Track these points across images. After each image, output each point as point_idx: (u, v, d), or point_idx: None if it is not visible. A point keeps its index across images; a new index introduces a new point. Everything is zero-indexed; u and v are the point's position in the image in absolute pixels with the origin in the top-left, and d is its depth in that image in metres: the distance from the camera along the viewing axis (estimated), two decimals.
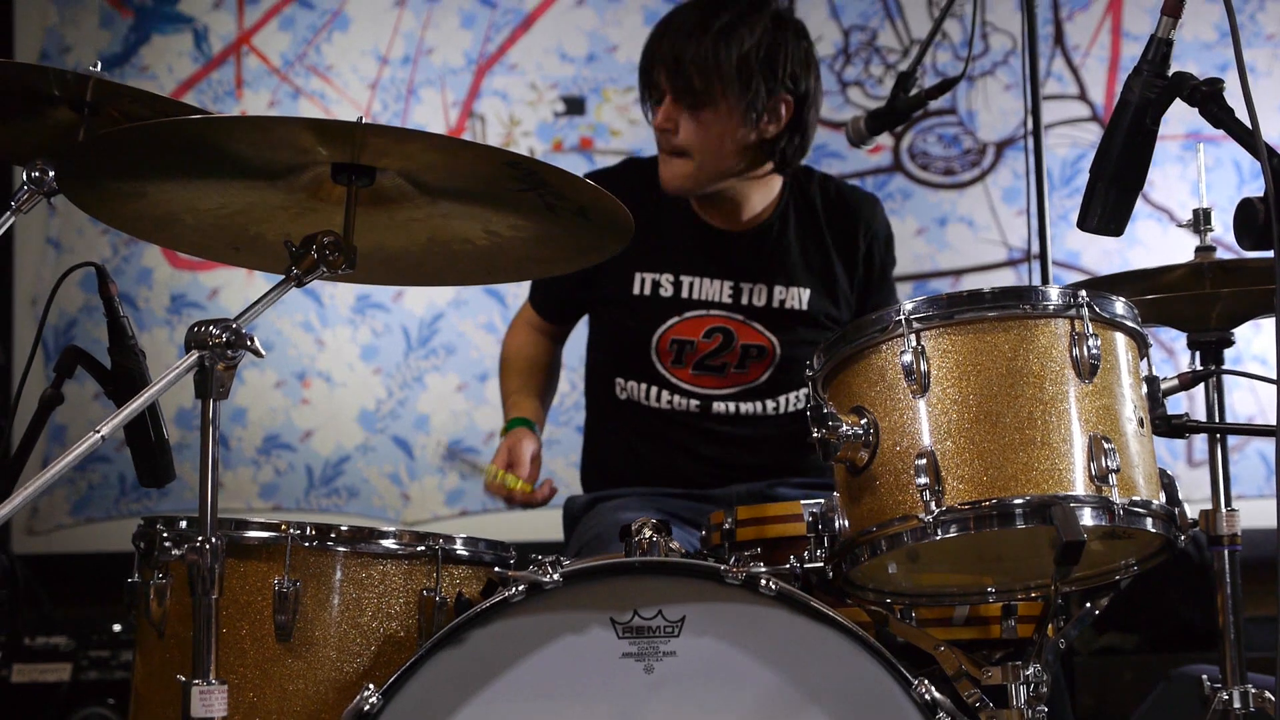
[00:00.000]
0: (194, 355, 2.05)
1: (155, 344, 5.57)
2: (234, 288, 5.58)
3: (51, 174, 2.58)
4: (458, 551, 2.48)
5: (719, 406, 3.14)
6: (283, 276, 2.22)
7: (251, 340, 2.08)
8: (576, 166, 5.40)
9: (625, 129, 5.61)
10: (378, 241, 2.42)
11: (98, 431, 1.96)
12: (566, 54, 5.63)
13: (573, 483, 4.66)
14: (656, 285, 3.14)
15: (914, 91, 3.17)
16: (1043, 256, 3.18)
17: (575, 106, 5.63)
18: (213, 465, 2.04)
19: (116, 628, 4.49)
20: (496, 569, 2.43)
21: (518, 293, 5.48)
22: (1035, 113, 3.32)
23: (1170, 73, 2.19)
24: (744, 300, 3.14)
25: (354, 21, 5.65)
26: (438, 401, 5.53)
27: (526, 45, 5.65)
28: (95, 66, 2.50)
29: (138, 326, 5.32)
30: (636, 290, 3.14)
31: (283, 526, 2.39)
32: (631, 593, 2.13)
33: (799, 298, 3.16)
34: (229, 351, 2.06)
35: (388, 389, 5.55)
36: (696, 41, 3.03)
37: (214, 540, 2.00)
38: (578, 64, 5.63)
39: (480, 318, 5.55)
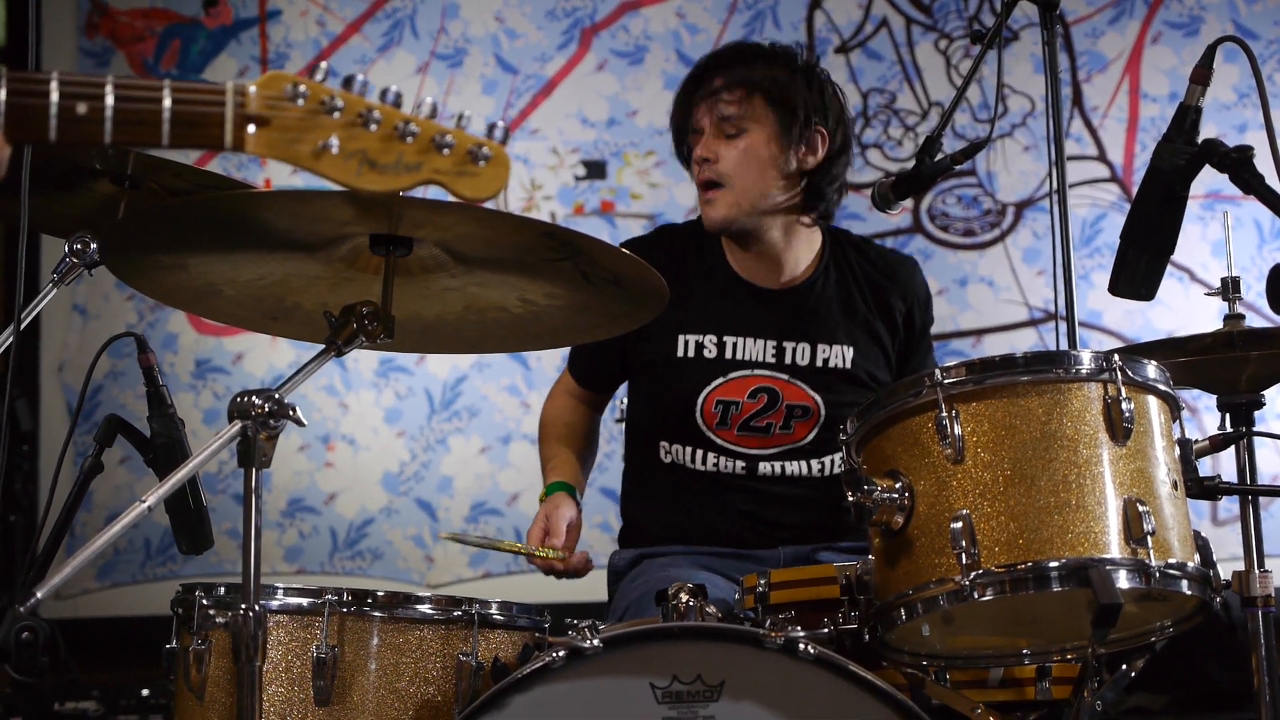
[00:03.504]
0: (237, 425, 2.07)
1: (180, 408, 5.57)
2: (258, 352, 5.62)
3: (93, 246, 2.62)
4: (493, 616, 2.49)
5: (764, 468, 3.16)
6: (322, 346, 2.25)
7: (294, 410, 2.11)
8: (598, 230, 5.45)
9: (646, 192, 5.65)
10: (414, 310, 2.45)
11: (143, 502, 1.99)
12: (587, 119, 5.68)
13: (598, 543, 4.68)
14: (700, 347, 3.16)
15: (939, 156, 3.20)
16: (1070, 318, 3.20)
17: (596, 170, 5.68)
18: (255, 533, 2.06)
19: (145, 692, 4.50)
20: (536, 634, 2.44)
21: (540, 355, 5.52)
22: (1060, 173, 3.34)
23: (1199, 140, 2.22)
24: (788, 359, 3.16)
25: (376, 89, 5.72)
26: (461, 464, 5.55)
27: (548, 110, 5.71)
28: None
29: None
30: (680, 353, 3.16)
31: (321, 593, 2.41)
32: (670, 658, 2.15)
33: (843, 356, 3.18)
34: (271, 421, 2.08)
35: (411, 452, 5.57)
36: (733, 71, 3.11)
37: (258, 608, 2.02)
38: (599, 128, 5.68)
39: (503, 381, 5.58)
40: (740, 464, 3.16)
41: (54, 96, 1.39)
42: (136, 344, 2.59)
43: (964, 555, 2.19)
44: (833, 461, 3.18)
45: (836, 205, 3.23)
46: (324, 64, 1.48)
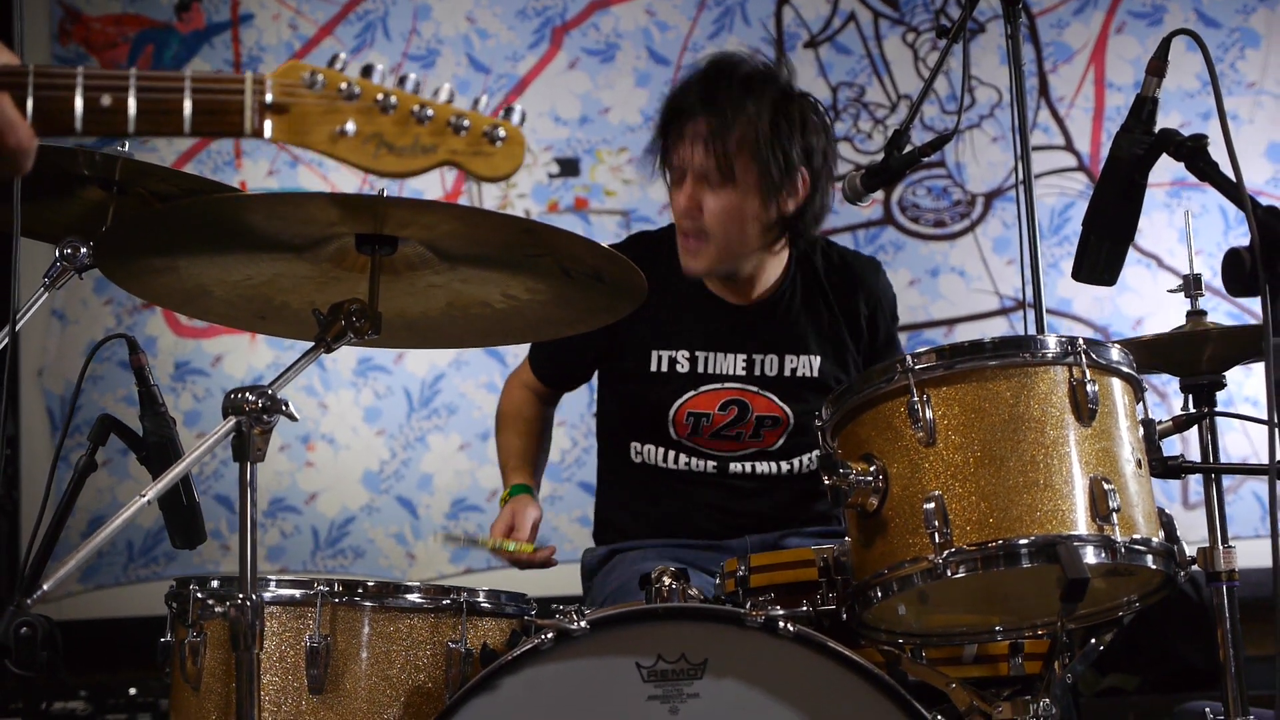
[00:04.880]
0: (231, 421, 2.14)
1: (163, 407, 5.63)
2: (237, 354, 5.66)
3: (83, 250, 2.68)
4: (481, 604, 2.56)
5: (735, 466, 3.22)
6: (309, 343, 2.32)
7: (286, 405, 2.17)
8: (572, 227, 5.49)
9: (620, 189, 5.71)
10: (400, 307, 2.51)
11: (143, 496, 2.05)
12: (560, 116, 5.73)
13: (577, 537, 4.74)
14: (674, 362, 3.21)
15: (908, 149, 3.27)
16: (1037, 305, 3.27)
17: (569, 168, 5.73)
18: (252, 524, 2.12)
19: (132, 691, 4.55)
20: (524, 618, 2.51)
21: (518, 352, 5.56)
22: (1026, 164, 3.41)
23: (1157, 129, 2.29)
24: (757, 371, 3.22)
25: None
26: (441, 461, 5.60)
27: (512, 105, 5.75)
28: (124, 147, 2.61)
29: None
30: (654, 368, 3.21)
31: (313, 584, 2.47)
32: (655, 638, 2.22)
33: (810, 365, 3.23)
34: (265, 417, 2.15)
35: (391, 450, 5.62)
36: (712, 120, 3.06)
37: (255, 597, 2.09)
38: (571, 126, 5.73)
39: (481, 378, 5.63)
40: (712, 464, 3.22)
41: (79, 90, 1.45)
42: (128, 345, 2.65)
43: (937, 535, 2.27)
44: (801, 462, 3.24)
45: (814, 232, 3.24)
46: (342, 54, 1.54)
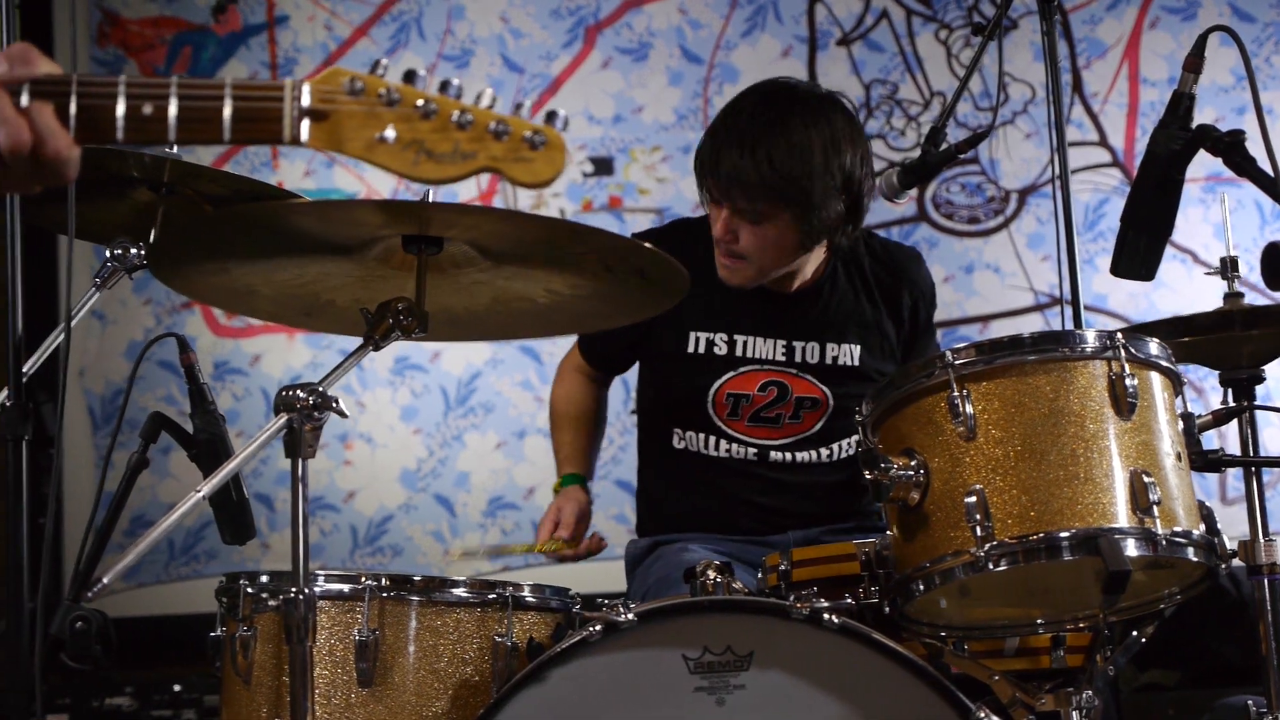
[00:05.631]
0: (283, 418, 2.17)
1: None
2: (275, 353, 5.71)
3: (133, 251, 2.72)
4: (526, 598, 2.59)
5: (775, 455, 3.24)
6: (350, 340, 2.36)
7: (336, 402, 2.21)
8: (606, 225, 5.53)
9: (653, 187, 5.73)
10: (445, 303, 2.54)
11: (198, 491, 2.09)
12: (593, 116, 5.76)
13: (614, 534, 4.76)
14: (711, 344, 3.24)
15: (944, 146, 3.29)
16: (1074, 301, 3.28)
17: (604, 167, 5.76)
18: (304, 520, 2.16)
19: (177, 687, 4.60)
20: (574, 611, 2.55)
21: (553, 350, 5.60)
22: (1062, 159, 3.42)
23: (1194, 125, 2.31)
24: (797, 357, 3.24)
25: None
26: (477, 460, 5.64)
27: (553, 108, 5.77)
28: (172, 148, 2.65)
29: (181, 392, 5.47)
30: (691, 349, 3.23)
31: (361, 578, 2.51)
32: (701, 630, 2.25)
33: (850, 354, 3.26)
34: (315, 413, 2.18)
35: (428, 448, 5.65)
36: (752, 161, 3.03)
37: (307, 591, 2.12)
38: (605, 125, 5.76)
39: (517, 376, 5.66)
40: (752, 451, 3.25)
41: (121, 98, 1.47)
42: (178, 344, 2.69)
43: (978, 528, 2.29)
44: (840, 447, 3.27)
45: (852, 239, 3.25)
46: (384, 60, 1.54)
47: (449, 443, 5.65)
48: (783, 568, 2.62)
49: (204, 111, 1.47)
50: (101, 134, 1.47)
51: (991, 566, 2.29)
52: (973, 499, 2.30)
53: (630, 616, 2.23)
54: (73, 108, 1.46)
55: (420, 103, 1.50)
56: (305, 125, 1.49)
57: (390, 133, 1.49)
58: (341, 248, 2.43)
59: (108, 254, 2.76)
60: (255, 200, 2.71)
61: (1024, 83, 5.61)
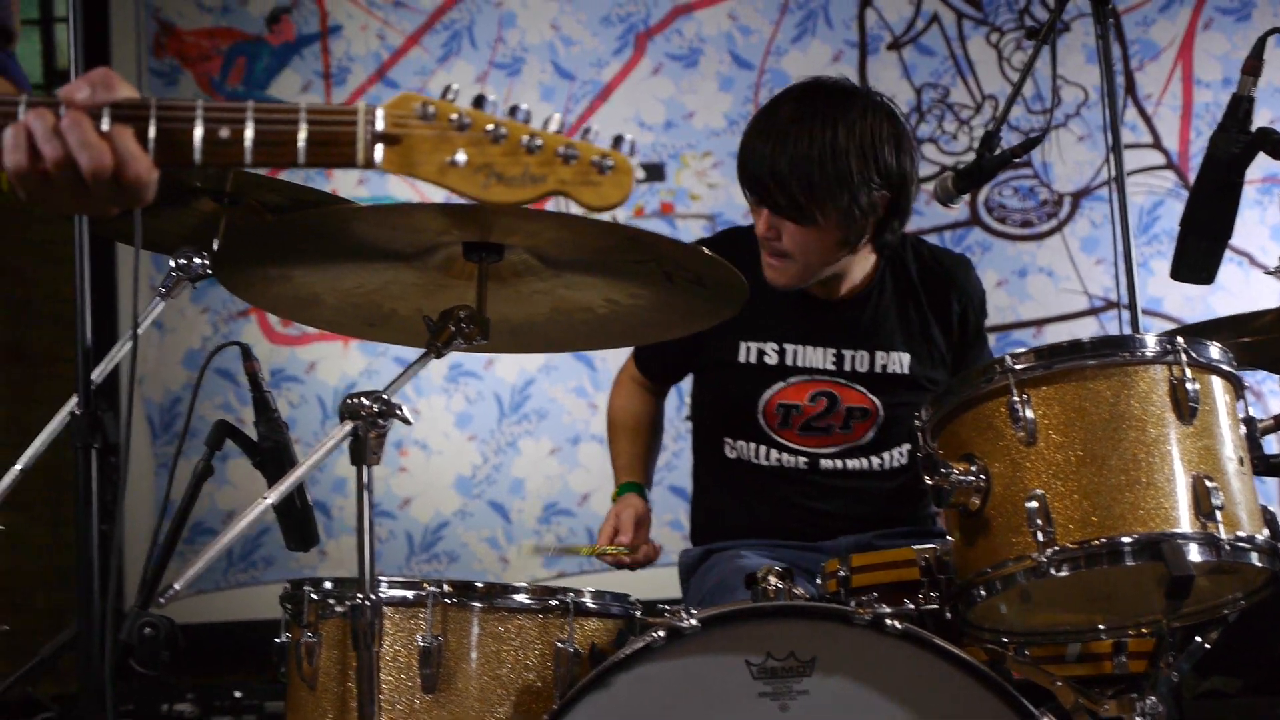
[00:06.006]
0: (348, 426, 2.20)
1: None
2: (330, 360, 5.75)
3: (197, 260, 2.76)
4: (587, 604, 2.60)
5: (826, 463, 3.25)
6: (412, 349, 2.38)
7: (400, 409, 2.23)
8: (659, 231, 5.54)
9: (705, 193, 5.75)
10: (505, 313, 2.56)
11: (266, 499, 2.12)
12: (644, 122, 5.78)
13: (669, 541, 4.77)
14: (761, 354, 3.25)
15: (998, 150, 3.29)
16: (1131, 305, 3.28)
17: (655, 173, 5.78)
18: (369, 527, 2.18)
19: (238, 694, 4.64)
20: (635, 616, 2.56)
21: (606, 356, 5.62)
22: (1118, 161, 3.41)
23: (1253, 128, 2.31)
24: (846, 366, 3.25)
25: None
26: (532, 466, 5.66)
27: (605, 115, 5.80)
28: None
29: (239, 400, 5.52)
30: (742, 359, 3.25)
31: (423, 584, 2.53)
32: (764, 636, 2.26)
33: (900, 362, 3.26)
34: (380, 421, 2.21)
35: (483, 455, 5.68)
36: (788, 157, 3.04)
37: (374, 597, 2.14)
38: (656, 131, 5.78)
39: (570, 383, 5.68)
40: (803, 460, 3.25)
41: (199, 123, 1.49)
42: (242, 353, 2.72)
43: (1040, 533, 2.29)
44: (891, 456, 3.27)
45: (897, 238, 3.25)
46: (454, 85, 1.56)
47: (503, 449, 5.67)
48: (842, 573, 2.63)
49: (279, 135, 1.49)
50: (179, 157, 1.49)
51: (1054, 572, 2.28)
52: (1034, 504, 2.30)
53: (694, 622, 2.24)
54: (151, 131, 1.48)
55: (490, 127, 1.53)
56: (379, 149, 1.50)
57: (461, 156, 1.51)
58: (403, 255, 2.45)
59: (172, 263, 2.79)
60: (315, 208, 2.75)
61: (1076, 85, 5.59)
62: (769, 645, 2.26)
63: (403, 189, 5.72)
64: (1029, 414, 2.36)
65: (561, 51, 5.81)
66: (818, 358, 3.24)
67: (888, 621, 2.25)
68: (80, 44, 2.31)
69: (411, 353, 2.54)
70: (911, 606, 2.46)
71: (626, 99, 5.79)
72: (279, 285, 2.51)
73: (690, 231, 5.66)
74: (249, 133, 1.49)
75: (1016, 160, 3.35)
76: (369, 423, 2.21)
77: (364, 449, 2.19)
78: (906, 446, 3.23)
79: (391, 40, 5.88)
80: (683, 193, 5.75)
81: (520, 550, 5.45)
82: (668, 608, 2.35)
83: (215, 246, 2.76)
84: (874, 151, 3.07)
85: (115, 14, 5.92)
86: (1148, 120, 5.62)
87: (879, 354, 3.25)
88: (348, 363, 5.74)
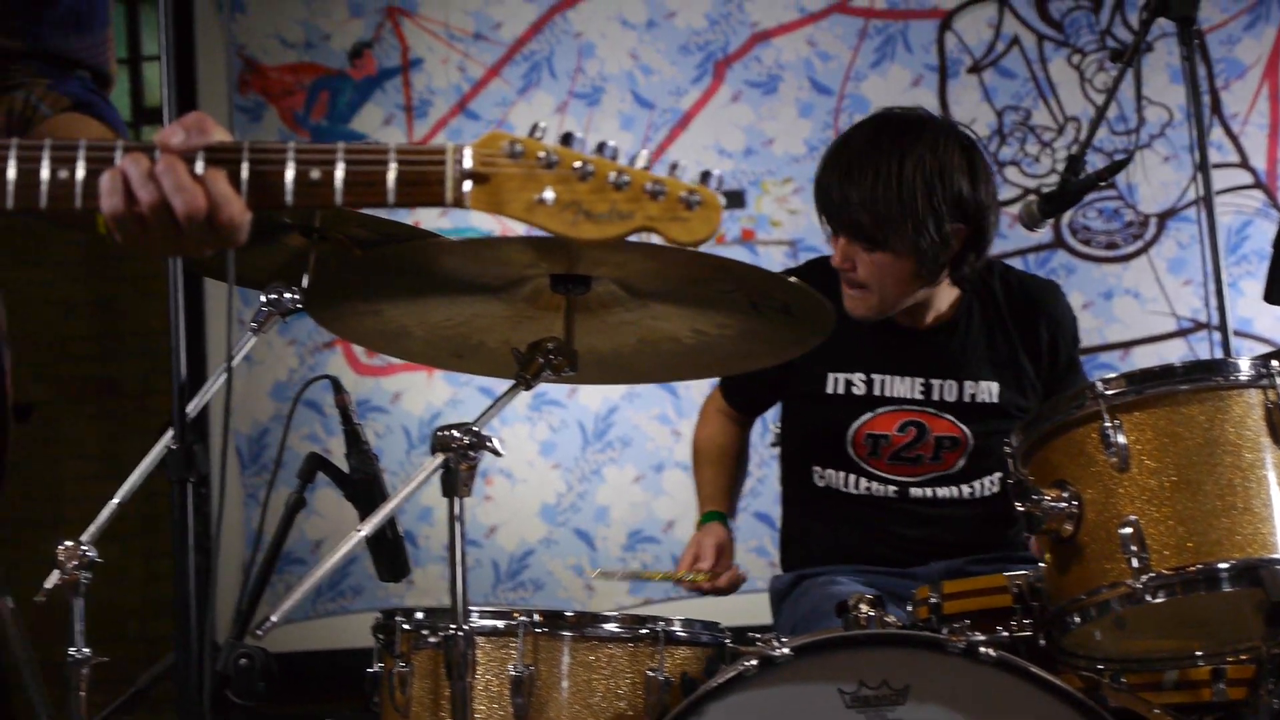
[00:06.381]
0: (439, 458, 2.22)
1: (343, 446, 5.78)
2: (415, 391, 5.80)
3: (287, 295, 2.79)
4: (677, 633, 2.61)
5: (916, 491, 3.24)
6: (497, 380, 2.40)
7: (490, 441, 2.25)
8: (740, 258, 5.55)
9: (785, 219, 5.75)
10: (592, 344, 2.58)
11: (359, 531, 2.14)
12: (724, 149, 5.79)
13: (754, 567, 4.77)
14: (849, 384, 3.24)
15: (1084, 173, 3.27)
16: (1223, 326, 3.25)
17: (735, 200, 5.78)
18: (461, 558, 2.20)
19: None
20: (725, 645, 2.56)
21: (688, 384, 5.63)
22: (1205, 181, 3.39)
23: None
24: (935, 395, 3.23)
25: (519, 130, 5.85)
26: (616, 493, 5.67)
27: (685, 143, 5.82)
28: None
29: (325, 431, 5.58)
30: (830, 389, 3.24)
31: (514, 614, 2.54)
32: (856, 664, 2.25)
33: (989, 391, 3.24)
34: (471, 453, 2.23)
35: (567, 483, 5.70)
36: (858, 188, 3.06)
37: (466, 628, 2.16)
38: (736, 158, 5.78)
39: (653, 410, 5.69)
40: (893, 489, 3.24)
41: (290, 165, 1.52)
42: (333, 386, 2.75)
43: (1134, 560, 2.27)
44: (982, 485, 3.25)
45: (977, 270, 3.23)
46: (542, 123, 1.57)
47: (588, 477, 5.69)
48: (933, 600, 2.61)
49: (369, 176, 1.50)
50: (272, 199, 1.51)
51: (1149, 599, 2.26)
52: (1128, 530, 2.28)
53: (786, 651, 2.24)
54: (244, 174, 1.50)
55: (578, 164, 1.53)
56: (467, 188, 1.51)
57: (549, 194, 1.51)
58: (490, 287, 2.47)
59: (262, 298, 2.83)
60: (402, 242, 2.77)
61: (1161, 105, 5.54)
62: (862, 674, 2.25)
63: (485, 220, 5.76)
64: (1121, 439, 2.34)
65: (641, 81, 5.83)
66: (905, 388, 3.23)
67: (981, 649, 2.24)
68: (173, 84, 2.36)
69: (495, 382, 2.56)
70: (1005, 634, 2.44)
71: (706, 127, 5.81)
72: (369, 319, 2.55)
73: (771, 258, 5.66)
74: (339, 173, 1.51)
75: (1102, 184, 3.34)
76: (460, 455, 2.22)
77: (455, 481, 2.22)
78: (997, 475, 3.21)
79: (472, 72, 5.93)
80: (763, 219, 5.75)
81: (590, 572, 5.45)
82: (758, 636, 2.34)
83: (305, 282, 2.79)
84: (944, 183, 3.06)
85: (201, 52, 6.01)
86: (1234, 139, 5.56)
87: (967, 383, 3.24)
88: (432, 393, 5.78)
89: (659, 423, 5.67)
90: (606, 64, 5.85)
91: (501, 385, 2.45)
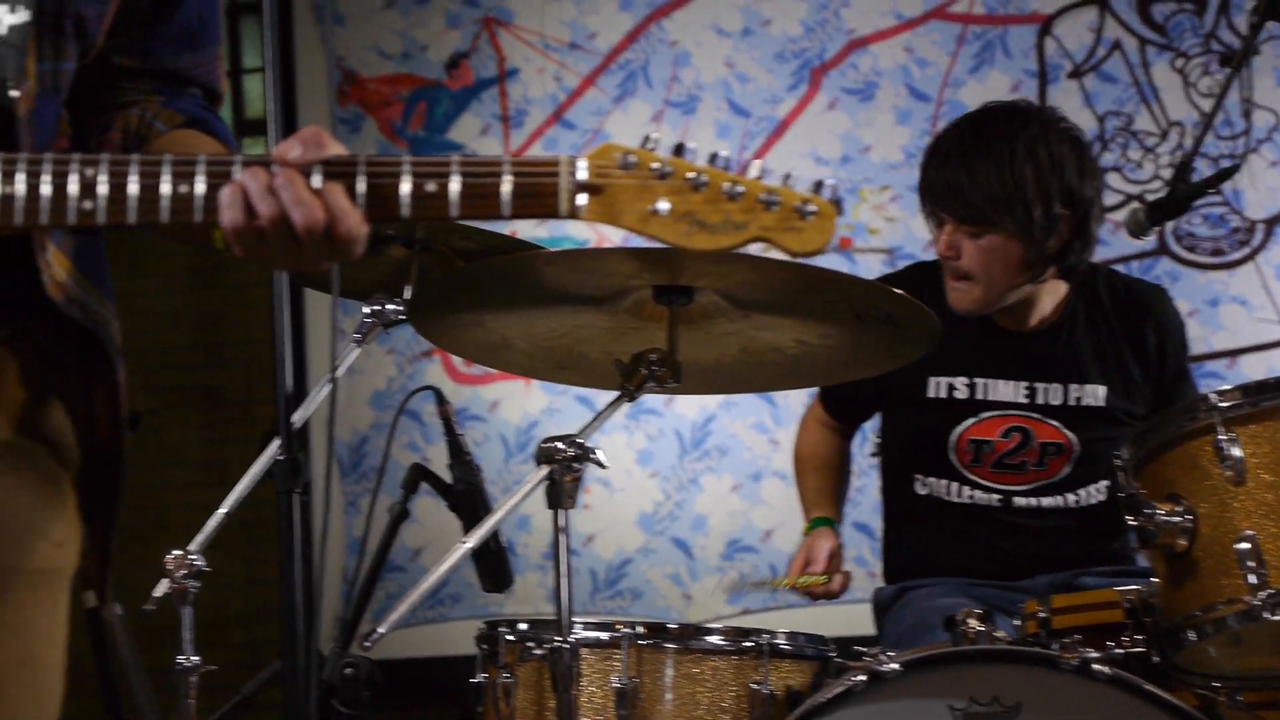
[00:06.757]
0: (544, 470, 2.22)
1: (442, 455, 5.81)
2: (512, 400, 5.81)
3: (390, 306, 2.81)
4: (782, 646, 2.59)
5: (1020, 501, 3.20)
6: (596, 390, 2.40)
7: (594, 453, 2.25)
8: (837, 267, 5.50)
9: (883, 227, 5.71)
10: (694, 355, 2.57)
11: (465, 543, 2.14)
12: (821, 157, 5.76)
13: (854, 577, 4.73)
14: (951, 388, 3.21)
15: (1193, 180, 3.21)
16: None
17: None
18: (567, 570, 2.19)
19: None
20: (830, 658, 2.54)
21: (787, 392, 5.61)
22: None
23: None
24: (1039, 399, 3.19)
25: (614, 138, 5.85)
26: (714, 502, 5.66)
27: (781, 151, 5.80)
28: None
29: (424, 439, 5.61)
30: (931, 393, 3.21)
31: (618, 626, 2.54)
32: (966, 680, 2.23)
33: (1096, 395, 3.19)
34: (575, 465, 2.22)
35: (664, 492, 5.69)
36: (969, 168, 3.06)
37: (572, 640, 2.16)
38: (833, 166, 5.75)
39: (751, 419, 5.67)
40: (996, 498, 3.20)
41: (406, 178, 1.52)
42: (435, 397, 2.76)
43: (1252, 575, 2.23)
44: (1088, 493, 3.20)
45: (1084, 264, 3.20)
46: (654, 134, 1.56)
47: (685, 486, 5.68)
48: (1042, 614, 2.57)
49: (484, 188, 1.50)
50: (387, 212, 1.51)
51: (1267, 615, 2.22)
52: (1245, 545, 2.24)
53: (895, 666, 2.21)
54: (361, 187, 1.50)
55: (691, 175, 1.52)
56: (582, 200, 1.51)
57: (664, 205, 1.51)
58: (593, 299, 2.47)
59: (365, 310, 2.85)
60: (505, 254, 2.78)
61: (1268, 109, 5.44)
62: (972, 690, 2.22)
63: (581, 230, 5.77)
64: (1236, 453, 2.30)
65: (736, 89, 5.82)
66: (1009, 391, 3.19)
67: (1095, 666, 2.20)
68: (278, 97, 2.38)
69: (591, 391, 2.56)
70: (1118, 650, 2.40)
71: (802, 134, 5.78)
72: (472, 330, 2.55)
73: (869, 266, 5.62)
74: (454, 186, 1.51)
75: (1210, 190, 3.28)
76: (564, 467, 2.22)
77: (560, 493, 2.22)
78: (1104, 483, 3.16)
79: (568, 82, 5.94)
80: (861, 227, 5.72)
81: (710, 588, 5.44)
82: (864, 650, 2.32)
83: (407, 293, 2.81)
84: (1053, 168, 3.06)
85: (302, 64, 6.07)
86: None
87: (1073, 387, 3.19)
88: (530, 401, 5.79)
89: (756, 432, 5.65)
90: (702, 72, 5.85)
91: (597, 394, 2.45)
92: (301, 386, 5.51)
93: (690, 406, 5.68)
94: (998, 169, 3.03)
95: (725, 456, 5.67)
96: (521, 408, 5.80)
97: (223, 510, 2.68)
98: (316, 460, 5.79)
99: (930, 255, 3.30)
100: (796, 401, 5.46)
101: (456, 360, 5.84)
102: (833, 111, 5.77)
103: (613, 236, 5.67)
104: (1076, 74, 5.66)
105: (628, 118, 5.86)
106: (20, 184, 1.47)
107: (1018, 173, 3.03)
